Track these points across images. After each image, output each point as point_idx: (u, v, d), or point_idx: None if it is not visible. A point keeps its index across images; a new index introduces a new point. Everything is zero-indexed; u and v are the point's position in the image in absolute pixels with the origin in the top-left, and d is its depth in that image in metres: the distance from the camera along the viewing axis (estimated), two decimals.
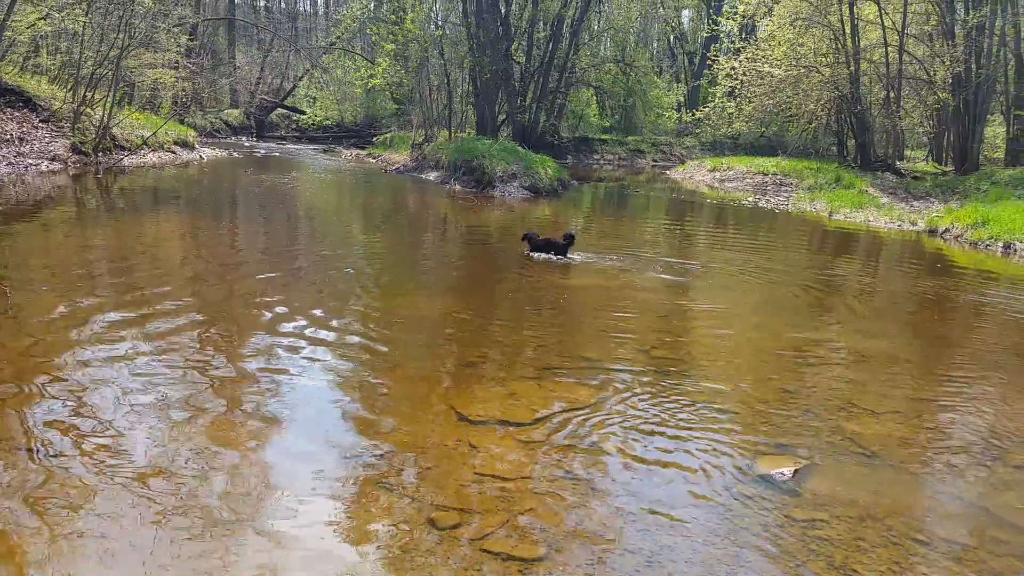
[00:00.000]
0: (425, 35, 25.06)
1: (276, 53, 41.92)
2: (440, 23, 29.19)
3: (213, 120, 34.59)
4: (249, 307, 6.85)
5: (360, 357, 5.76)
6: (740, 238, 14.28)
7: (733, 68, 26.47)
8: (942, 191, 20.67)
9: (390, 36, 24.76)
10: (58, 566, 3.06)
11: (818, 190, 20.99)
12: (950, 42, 23.07)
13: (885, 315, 8.33)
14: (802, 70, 25.23)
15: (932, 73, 24.52)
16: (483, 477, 3.95)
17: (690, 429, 4.69)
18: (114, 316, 6.21)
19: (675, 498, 3.87)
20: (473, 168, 19.51)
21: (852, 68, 23.84)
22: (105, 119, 18.64)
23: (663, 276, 9.42)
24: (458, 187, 19.17)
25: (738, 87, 26.64)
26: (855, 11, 24.27)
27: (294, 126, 40.02)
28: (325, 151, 31.82)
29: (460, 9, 27.04)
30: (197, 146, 24.38)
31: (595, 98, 39.29)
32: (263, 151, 29.71)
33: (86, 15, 18.90)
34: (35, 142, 17.25)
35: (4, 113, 17.50)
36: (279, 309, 6.78)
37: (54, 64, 21.34)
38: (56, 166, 16.61)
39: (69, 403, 4.49)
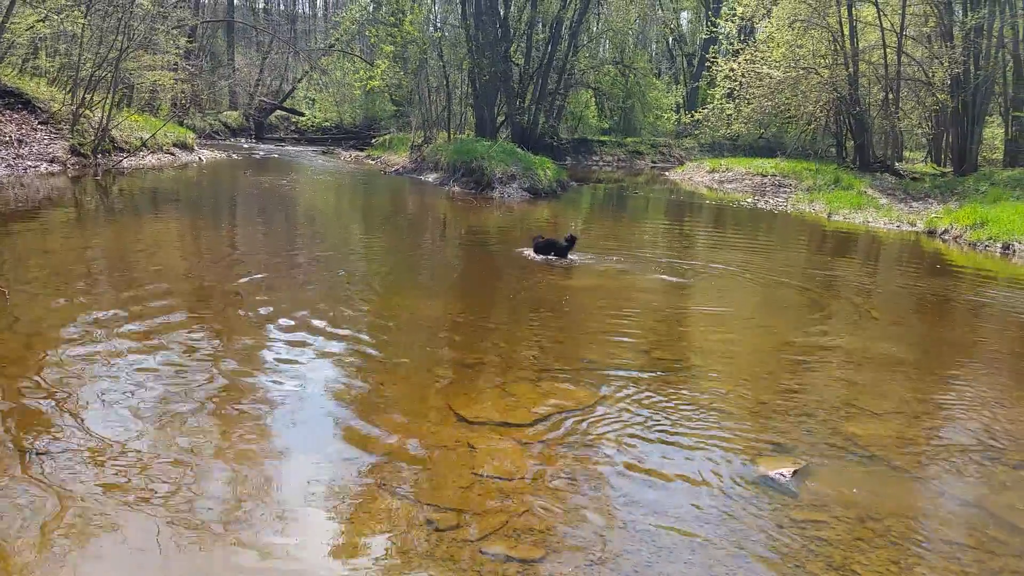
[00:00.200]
0: (424, 37, 25.07)
1: (275, 55, 41.95)
2: (439, 25, 29.24)
3: (212, 122, 34.59)
4: (247, 309, 6.84)
5: (359, 358, 5.75)
6: (739, 239, 14.29)
7: (732, 70, 26.49)
8: (941, 192, 20.69)
9: (389, 38, 24.79)
10: (45, 570, 3.05)
11: (817, 191, 20.99)
12: (948, 44, 23.09)
13: (885, 316, 8.33)
14: (801, 72, 25.26)
15: (931, 74, 24.55)
16: (482, 478, 3.95)
17: (689, 430, 4.69)
18: (112, 318, 6.20)
19: (674, 499, 3.87)
20: (472, 169, 19.51)
21: (851, 69, 23.86)
22: (104, 121, 18.64)
23: (663, 277, 9.42)
24: (457, 188, 19.17)
25: (737, 89, 26.66)
26: (853, 13, 24.30)
27: (293, 128, 40.01)
28: (324, 153, 31.81)
29: (459, 11, 27.07)
30: (196, 148, 24.36)
31: (594, 100, 39.32)
32: (262, 153, 29.71)
33: (85, 17, 18.90)
34: (34, 144, 17.25)
35: (3, 115, 17.49)
36: (277, 311, 6.78)
37: (53, 66, 21.33)
38: (55, 168, 16.61)
39: (64, 404, 4.48)
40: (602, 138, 37.05)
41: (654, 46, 48.54)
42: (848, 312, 8.27)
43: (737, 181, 25.17)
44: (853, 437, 4.71)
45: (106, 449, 3.99)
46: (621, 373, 5.66)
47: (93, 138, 18.41)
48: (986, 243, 13.31)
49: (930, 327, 8.10)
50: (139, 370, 5.10)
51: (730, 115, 27.93)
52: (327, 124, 39.32)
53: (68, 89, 19.72)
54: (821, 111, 26.49)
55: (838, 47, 24.45)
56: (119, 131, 19.67)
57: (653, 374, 5.68)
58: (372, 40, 28.24)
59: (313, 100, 42.75)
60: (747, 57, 26.04)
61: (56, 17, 18.75)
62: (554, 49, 30.09)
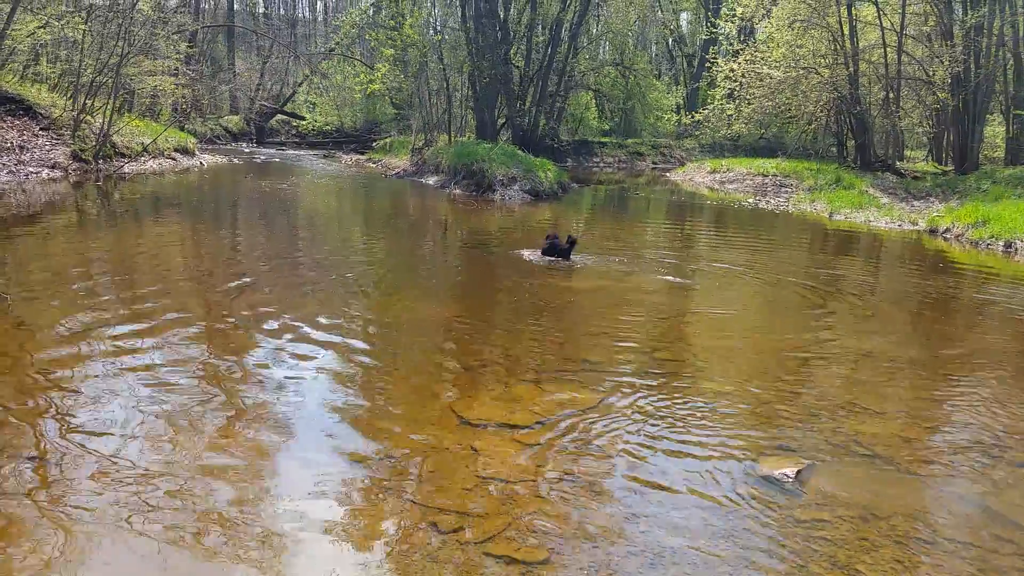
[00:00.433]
0: (424, 40, 25.09)
1: (275, 59, 42.06)
2: (439, 28, 29.27)
3: (213, 126, 34.66)
4: (249, 312, 6.84)
5: (362, 361, 5.75)
6: (741, 239, 14.28)
7: (732, 70, 26.47)
8: (942, 191, 20.67)
9: (389, 41, 24.81)
10: (60, 569, 3.05)
11: (818, 191, 20.98)
12: (949, 42, 23.08)
13: (887, 315, 8.32)
14: (801, 71, 25.24)
15: (931, 73, 24.53)
16: (485, 480, 3.95)
17: (692, 430, 4.68)
18: (114, 322, 6.21)
19: (678, 499, 3.86)
20: (473, 172, 19.51)
21: (851, 69, 23.85)
22: (105, 126, 18.67)
23: (665, 278, 9.41)
24: (458, 191, 19.18)
25: (737, 89, 26.64)
26: (853, 12, 24.28)
27: (294, 132, 40.10)
28: (325, 156, 31.84)
29: (459, 14, 27.10)
30: (197, 152, 24.40)
31: (594, 101, 39.32)
32: (263, 157, 29.74)
33: (85, 23, 18.96)
34: (35, 150, 17.28)
35: (4, 121, 17.53)
36: (280, 314, 6.78)
37: (54, 72, 21.38)
38: (57, 174, 16.64)
39: (69, 407, 4.49)
40: (603, 139, 37.06)
41: (654, 47, 48.58)
42: (850, 311, 8.26)
43: (738, 181, 25.15)
44: (857, 436, 4.70)
45: (103, 455, 3.99)
46: (623, 374, 5.65)
47: (94, 144, 18.44)
48: (988, 241, 13.30)
49: (932, 326, 8.09)
50: (141, 373, 5.10)
51: (731, 115, 27.90)
52: (328, 128, 39.40)
53: (69, 95, 19.76)
54: (822, 111, 26.47)
55: (838, 47, 24.43)
56: (120, 136, 19.71)
57: (655, 375, 5.67)
58: (372, 44, 28.28)
59: (314, 104, 42.82)
60: (747, 57, 26.03)
61: (57, 23, 18.80)
62: (554, 51, 30.10)
